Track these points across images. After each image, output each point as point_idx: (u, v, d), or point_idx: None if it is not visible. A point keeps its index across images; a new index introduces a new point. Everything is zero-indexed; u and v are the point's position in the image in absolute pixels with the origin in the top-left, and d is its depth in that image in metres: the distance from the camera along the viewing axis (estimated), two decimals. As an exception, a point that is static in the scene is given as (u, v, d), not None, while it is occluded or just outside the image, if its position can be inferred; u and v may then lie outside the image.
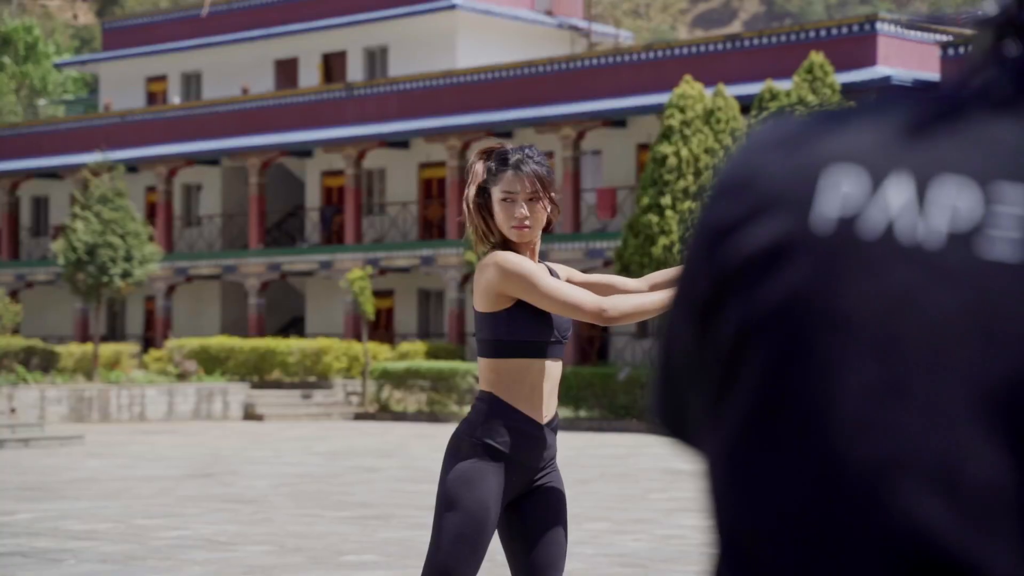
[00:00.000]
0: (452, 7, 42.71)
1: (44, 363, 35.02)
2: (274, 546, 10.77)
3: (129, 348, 38.37)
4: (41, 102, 70.66)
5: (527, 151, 4.58)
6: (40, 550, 10.51)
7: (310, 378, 35.15)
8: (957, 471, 0.74)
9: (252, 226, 42.32)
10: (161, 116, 44.48)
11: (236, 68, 47.75)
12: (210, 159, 43.80)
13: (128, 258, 31.71)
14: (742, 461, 0.80)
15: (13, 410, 27.37)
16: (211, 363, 35.46)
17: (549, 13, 45.97)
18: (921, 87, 0.84)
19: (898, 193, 0.77)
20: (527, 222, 4.48)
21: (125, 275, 31.68)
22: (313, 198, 44.24)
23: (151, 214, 45.75)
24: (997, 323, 0.74)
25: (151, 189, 46.33)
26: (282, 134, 41.61)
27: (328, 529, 11.81)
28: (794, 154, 0.82)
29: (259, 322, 41.11)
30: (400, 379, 31.99)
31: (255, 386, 34.75)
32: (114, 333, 46.65)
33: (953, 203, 0.76)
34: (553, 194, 4.54)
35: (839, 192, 0.79)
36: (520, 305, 4.43)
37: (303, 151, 42.57)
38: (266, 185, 43.15)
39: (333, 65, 46.42)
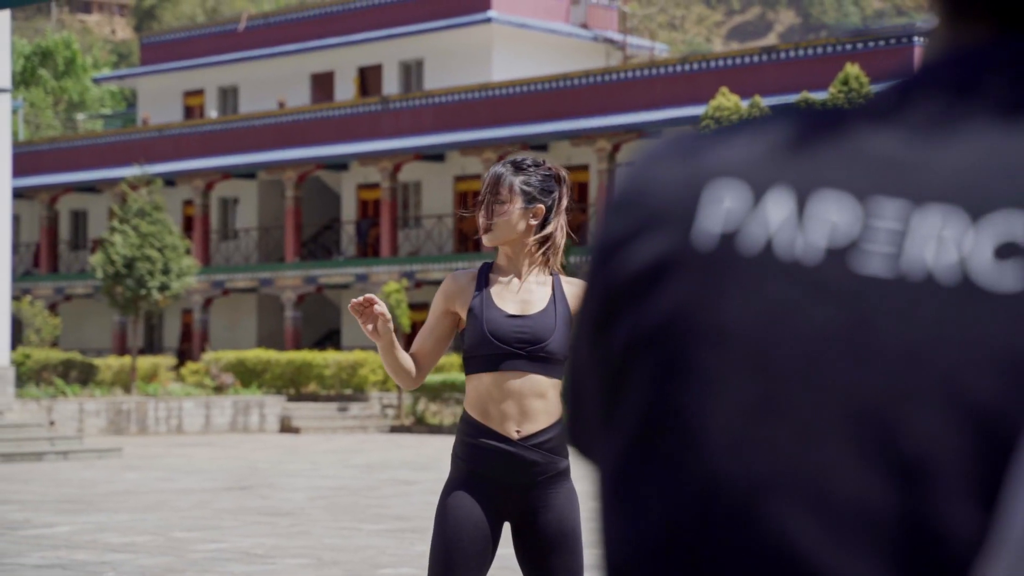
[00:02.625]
0: (488, 20, 42.79)
1: (82, 376, 35.22)
2: (311, 559, 10.80)
3: (166, 361, 38.55)
4: (80, 116, 71.14)
5: (523, 160, 4.57)
6: (79, 563, 10.58)
7: (346, 391, 35.23)
8: (828, 489, 0.74)
9: (288, 239, 42.46)
10: (198, 130, 44.71)
11: (272, 82, 47.96)
12: (247, 172, 44.00)
13: (166, 271, 31.87)
14: (627, 480, 0.79)
15: (52, 423, 27.53)
16: (248, 376, 35.59)
17: (584, 26, 46.00)
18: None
19: (778, 208, 0.77)
20: (482, 227, 4.52)
21: (163, 288, 31.84)
22: (349, 211, 44.37)
23: (188, 227, 45.98)
24: (870, 339, 0.74)
25: (188, 202, 46.56)
26: (318, 147, 41.77)
27: (365, 542, 11.84)
28: (681, 169, 0.82)
29: (295, 335, 41.23)
30: (436, 392, 32.03)
31: (291, 399, 34.85)
32: (151, 346, 46.88)
33: (832, 218, 0.76)
34: (530, 207, 4.49)
35: (721, 207, 0.79)
36: (469, 320, 4.47)
37: (339, 164, 42.72)
38: (302, 198, 43.31)
39: (369, 78, 46.57)
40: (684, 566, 0.77)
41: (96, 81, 57.13)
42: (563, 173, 4.62)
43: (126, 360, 36.64)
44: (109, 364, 37.66)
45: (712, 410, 0.77)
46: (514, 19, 43.46)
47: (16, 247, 47.97)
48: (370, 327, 4.45)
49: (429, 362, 4.59)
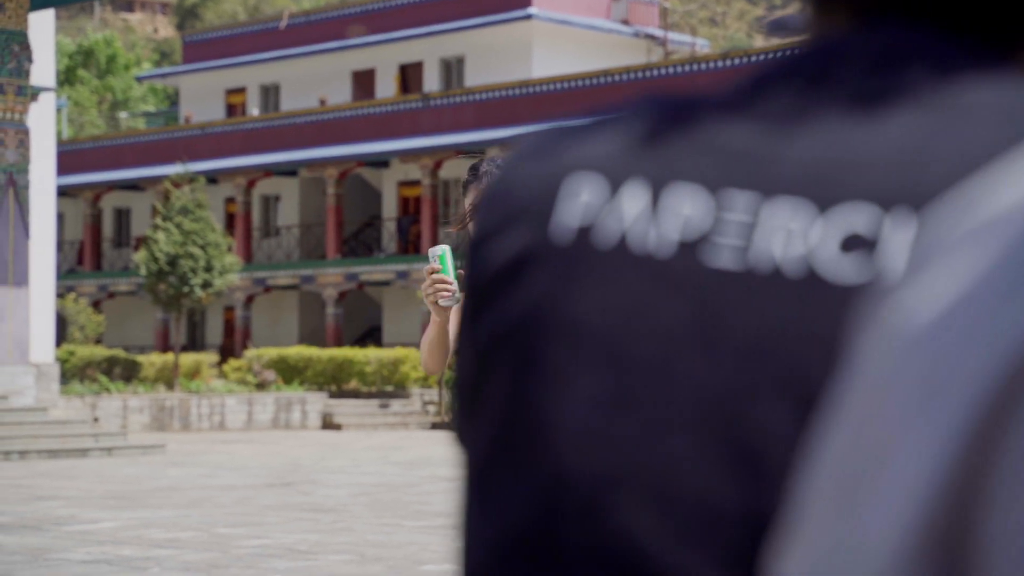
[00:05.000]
0: (528, 17, 42.78)
1: (126, 373, 35.44)
2: (354, 555, 10.83)
3: (209, 358, 38.72)
4: (122, 115, 71.55)
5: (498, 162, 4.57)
6: (124, 558, 10.64)
7: (387, 388, 35.31)
8: (674, 485, 0.73)
9: (330, 236, 42.58)
10: (240, 128, 44.89)
11: (314, 79, 48.11)
12: (288, 170, 44.14)
13: (208, 268, 32.02)
14: (486, 479, 0.79)
15: (96, 419, 27.72)
16: (289, 373, 35.72)
17: (625, 22, 45.93)
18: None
19: (633, 201, 0.77)
20: None
21: (205, 285, 31.99)
22: (390, 208, 44.44)
23: (230, 225, 46.18)
24: (719, 333, 0.73)
25: (230, 200, 46.76)
26: (359, 145, 41.86)
27: (407, 539, 11.86)
28: (543, 164, 0.81)
29: (337, 332, 41.34)
30: (477, 388, 32.03)
31: (333, 395, 34.95)
32: (194, 343, 47.11)
33: (684, 211, 0.75)
34: None
35: (579, 201, 0.78)
36: None
37: (380, 161, 42.80)
38: (343, 195, 43.43)
39: (410, 75, 46.64)
40: (534, 567, 0.76)
41: (139, 79, 57.46)
42: None
43: (169, 357, 36.84)
44: (152, 361, 37.87)
45: (563, 406, 0.76)
46: (555, 15, 43.42)
47: (60, 245, 48.31)
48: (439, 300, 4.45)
49: None
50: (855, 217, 0.72)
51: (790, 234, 0.73)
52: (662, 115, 0.79)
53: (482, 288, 0.80)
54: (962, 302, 0.37)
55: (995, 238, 0.37)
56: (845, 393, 0.41)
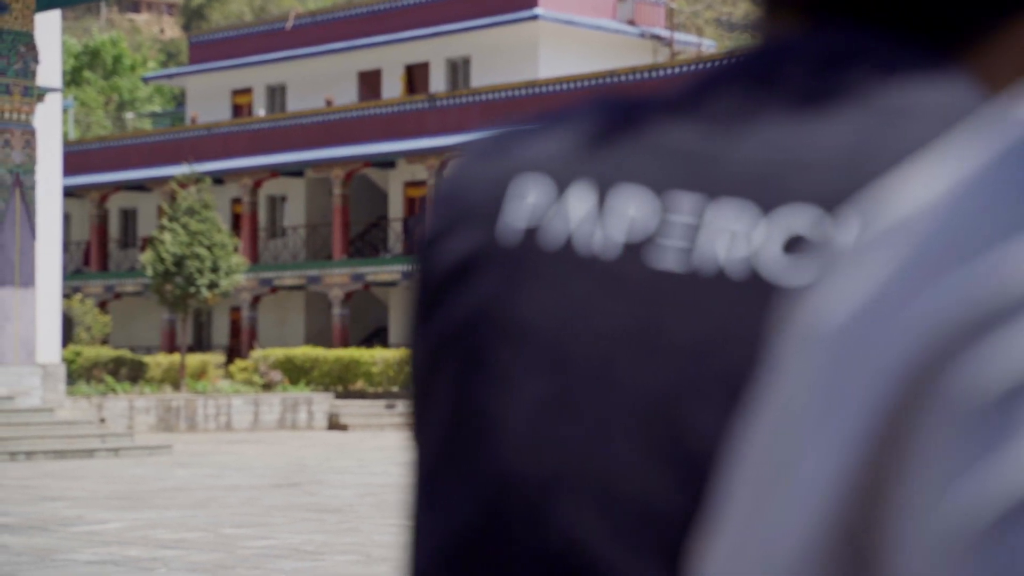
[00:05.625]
0: (534, 17, 42.78)
1: (132, 373, 35.46)
2: (361, 555, 10.82)
3: (215, 358, 38.75)
4: (129, 115, 71.62)
5: None
6: (131, 559, 10.64)
7: (393, 388, 35.32)
8: (615, 487, 0.73)
9: (336, 237, 42.60)
10: (246, 128, 44.92)
11: (320, 80, 48.13)
12: (294, 170, 44.17)
13: (215, 269, 32.04)
14: (434, 481, 0.78)
15: (103, 420, 27.74)
16: (296, 373, 35.73)
17: (631, 23, 45.91)
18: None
19: (579, 203, 0.76)
20: None
21: (212, 286, 32.02)
22: (396, 209, 44.46)
23: (236, 225, 46.20)
24: (662, 335, 0.73)
25: (237, 200, 46.79)
26: (365, 145, 41.87)
27: (414, 539, 11.86)
28: (492, 165, 0.81)
29: (343, 332, 41.36)
30: (483, 389, 32.07)
31: (339, 396, 34.97)
32: (200, 343, 47.14)
33: (630, 212, 0.75)
34: None
35: (526, 202, 0.77)
36: None
37: (386, 162, 42.82)
38: (349, 196, 43.45)
39: (416, 76, 46.66)
40: (478, 569, 0.75)
41: (145, 80, 57.53)
42: None
43: (175, 357, 36.87)
44: (159, 362, 37.90)
45: (508, 408, 0.75)
46: (561, 16, 43.43)
47: (67, 246, 48.35)
48: None
49: None
50: (797, 219, 0.72)
51: (734, 236, 0.73)
52: (610, 116, 0.78)
53: (431, 289, 0.80)
54: (868, 304, 0.38)
55: (904, 239, 0.38)
56: (763, 394, 0.42)
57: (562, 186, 0.77)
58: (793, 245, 0.71)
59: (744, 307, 0.72)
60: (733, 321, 0.72)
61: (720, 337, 0.72)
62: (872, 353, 0.37)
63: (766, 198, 0.73)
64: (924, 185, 0.39)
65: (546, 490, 0.74)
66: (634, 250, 0.74)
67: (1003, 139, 0.37)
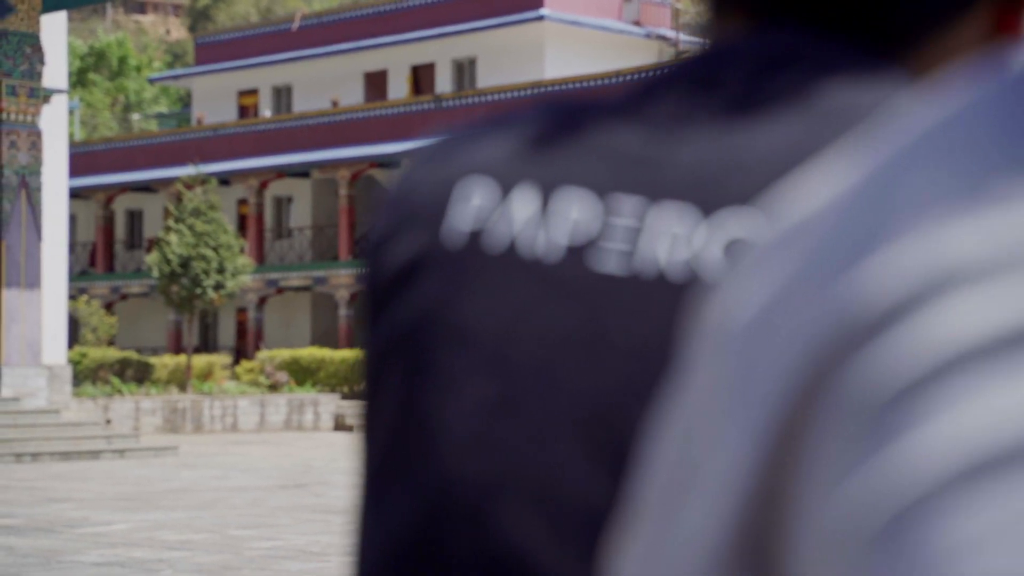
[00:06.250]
0: (540, 18, 42.77)
1: (138, 374, 35.47)
2: (367, 557, 10.81)
3: (221, 359, 38.75)
4: (135, 116, 71.67)
5: None
6: (137, 560, 10.62)
7: (400, 389, 35.32)
8: (556, 490, 0.73)
9: (342, 238, 42.59)
10: (252, 129, 44.93)
11: (326, 81, 48.14)
12: (300, 171, 44.17)
13: (221, 270, 32.04)
14: (379, 484, 0.78)
15: (109, 421, 27.73)
16: (302, 374, 35.73)
17: (637, 23, 45.89)
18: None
19: (523, 206, 0.76)
20: None
21: (218, 287, 32.01)
22: (402, 209, 44.50)
23: (243, 226, 46.21)
24: (603, 338, 0.73)
25: (243, 201, 46.80)
26: (371, 146, 41.88)
27: (420, 540, 11.85)
28: (438, 168, 0.80)
29: (349, 333, 41.35)
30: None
31: (345, 397, 34.96)
32: (206, 344, 47.14)
33: (573, 215, 0.75)
34: None
35: (471, 205, 0.77)
36: None
37: (392, 162, 42.82)
38: (356, 197, 43.45)
39: (422, 77, 46.65)
40: (421, 573, 0.75)
41: (151, 81, 57.56)
42: None
43: (181, 359, 36.86)
44: (164, 363, 37.90)
45: (451, 411, 0.75)
46: (567, 16, 43.41)
47: (72, 247, 48.38)
48: None
49: None
50: (737, 221, 0.72)
51: (675, 239, 0.73)
52: (554, 120, 0.79)
53: (379, 291, 0.80)
54: (770, 304, 0.39)
55: (805, 239, 0.39)
56: (675, 394, 0.42)
57: (506, 189, 0.77)
58: (733, 248, 0.72)
59: (685, 310, 0.72)
60: (674, 324, 0.72)
61: (661, 340, 0.72)
62: (771, 353, 0.38)
63: (706, 201, 0.73)
64: (826, 184, 0.39)
65: (487, 493, 0.74)
66: (577, 253, 0.75)
67: (902, 136, 0.37)
